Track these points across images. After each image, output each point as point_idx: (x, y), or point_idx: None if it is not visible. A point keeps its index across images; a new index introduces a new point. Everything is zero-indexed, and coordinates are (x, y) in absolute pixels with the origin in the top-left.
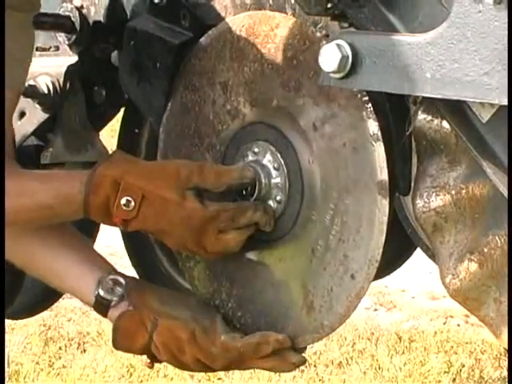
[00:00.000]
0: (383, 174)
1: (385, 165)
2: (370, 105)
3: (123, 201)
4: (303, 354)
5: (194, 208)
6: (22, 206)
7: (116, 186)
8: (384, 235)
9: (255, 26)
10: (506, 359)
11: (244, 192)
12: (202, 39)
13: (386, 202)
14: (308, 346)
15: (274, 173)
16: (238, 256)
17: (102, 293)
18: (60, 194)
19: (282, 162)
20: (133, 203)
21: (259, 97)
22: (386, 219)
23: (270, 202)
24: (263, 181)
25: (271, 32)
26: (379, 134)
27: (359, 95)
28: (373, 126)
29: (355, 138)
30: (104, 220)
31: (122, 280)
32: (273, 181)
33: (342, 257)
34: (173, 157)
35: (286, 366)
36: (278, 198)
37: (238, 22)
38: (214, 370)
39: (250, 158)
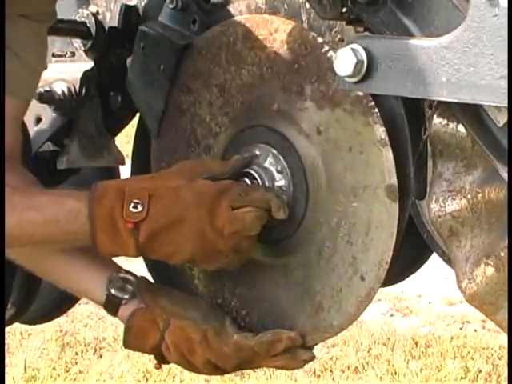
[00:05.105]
0: (392, 179)
1: (393, 169)
2: (376, 110)
3: (131, 205)
4: (312, 351)
5: (204, 184)
6: (28, 219)
7: (121, 195)
8: (394, 238)
9: (253, 29)
10: None
11: None
12: (196, 41)
13: (395, 206)
14: (324, 352)
15: (277, 176)
16: None
17: (113, 291)
18: (66, 206)
19: (286, 165)
20: (141, 204)
21: (258, 100)
22: (395, 222)
23: None
24: (267, 184)
25: (270, 36)
26: (387, 139)
27: (365, 100)
28: (380, 131)
29: (362, 142)
30: (110, 236)
31: (131, 278)
32: (276, 184)
33: (351, 258)
34: (167, 158)
35: (296, 363)
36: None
37: (235, 25)
38: (223, 372)
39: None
